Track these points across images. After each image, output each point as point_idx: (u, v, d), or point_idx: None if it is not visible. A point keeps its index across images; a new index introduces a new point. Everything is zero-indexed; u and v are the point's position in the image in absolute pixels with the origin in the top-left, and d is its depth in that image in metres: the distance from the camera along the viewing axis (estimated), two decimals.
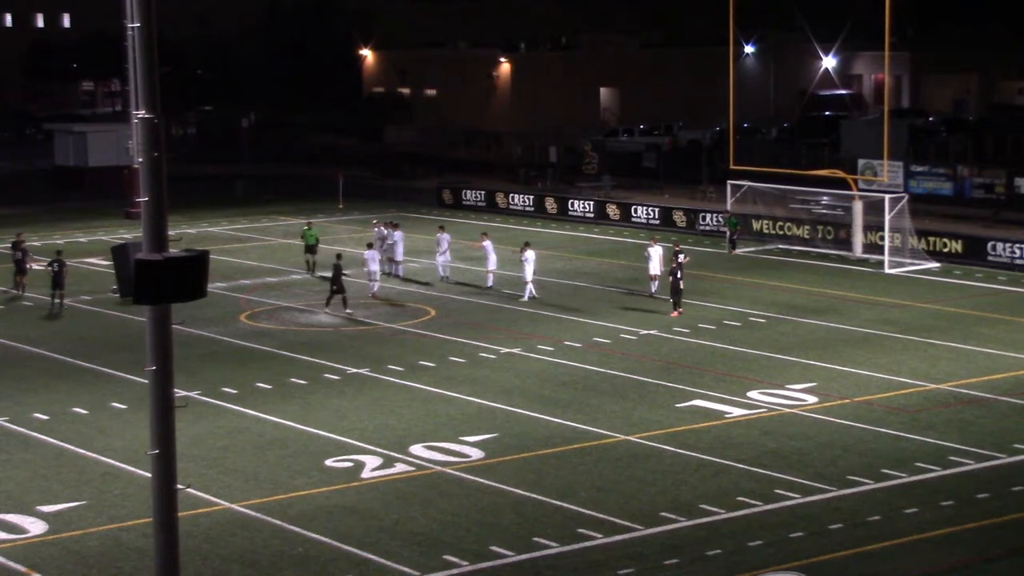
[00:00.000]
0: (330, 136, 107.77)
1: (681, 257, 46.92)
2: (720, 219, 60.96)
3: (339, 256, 48.10)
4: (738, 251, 58.05)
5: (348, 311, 46.30)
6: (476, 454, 31.42)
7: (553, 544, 26.06)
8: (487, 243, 50.69)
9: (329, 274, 47.66)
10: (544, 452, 31.57)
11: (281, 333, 44.09)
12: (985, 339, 41.97)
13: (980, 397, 35.71)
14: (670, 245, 49.22)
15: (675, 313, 44.84)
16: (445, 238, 52.45)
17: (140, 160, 17.39)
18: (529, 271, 48.19)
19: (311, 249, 53.87)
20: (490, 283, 50.37)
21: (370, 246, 50.55)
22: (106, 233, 64.28)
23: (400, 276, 52.74)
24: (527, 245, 49.14)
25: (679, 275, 45.27)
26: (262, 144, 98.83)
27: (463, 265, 53.97)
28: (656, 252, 48.37)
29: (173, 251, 17.36)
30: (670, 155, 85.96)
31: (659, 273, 48.02)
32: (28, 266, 50.36)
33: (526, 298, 47.96)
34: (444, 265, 52.26)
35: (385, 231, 53.94)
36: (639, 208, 66.27)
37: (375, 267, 49.35)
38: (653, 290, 48.12)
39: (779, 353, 40.47)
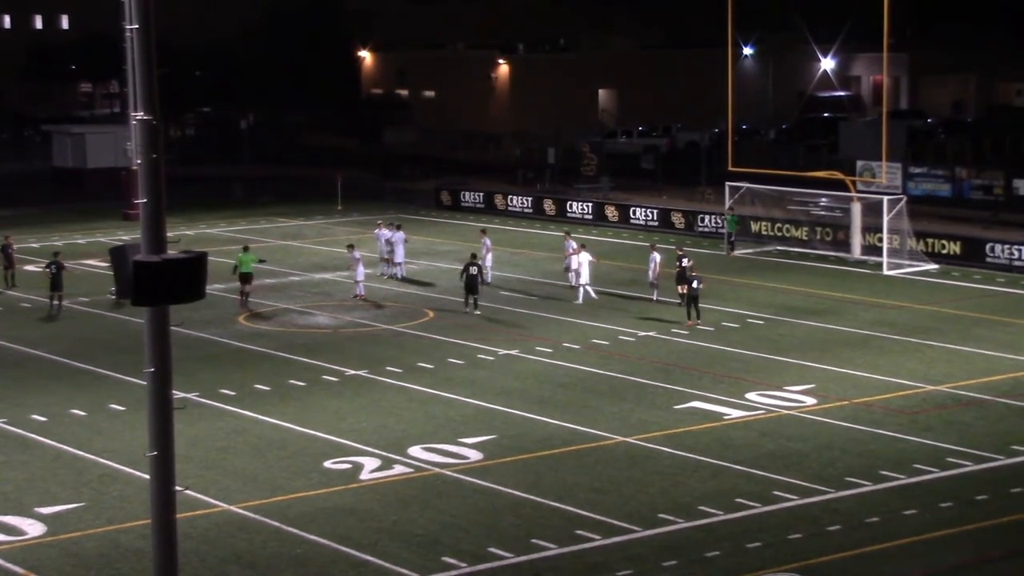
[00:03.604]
0: (329, 137, 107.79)
1: (685, 261, 46.48)
2: (720, 220, 60.92)
3: (474, 256, 47.38)
4: (737, 252, 58.01)
5: (476, 312, 45.93)
6: (474, 455, 31.42)
7: (552, 545, 26.05)
8: (571, 243, 50.28)
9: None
10: (542, 453, 31.57)
11: (279, 335, 44.08)
12: (983, 341, 41.98)
13: (978, 399, 35.71)
14: (672, 248, 48.98)
15: (689, 322, 44.01)
16: (486, 242, 52.00)
17: (138, 162, 17.37)
18: (585, 274, 47.84)
19: (245, 278, 47.26)
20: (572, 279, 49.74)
21: (351, 247, 50.29)
22: (104, 235, 64.27)
23: (400, 277, 52.66)
24: (583, 247, 48.90)
25: (695, 283, 44.27)
26: (261, 145, 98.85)
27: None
28: (655, 257, 48.06)
29: (171, 252, 17.33)
30: (668, 156, 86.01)
31: (657, 280, 47.78)
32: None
33: (580, 301, 47.45)
34: (487, 270, 50.94)
35: (388, 232, 53.63)
36: (637, 209, 66.30)
37: (362, 269, 49.13)
38: (655, 297, 47.81)
39: (777, 355, 40.47)
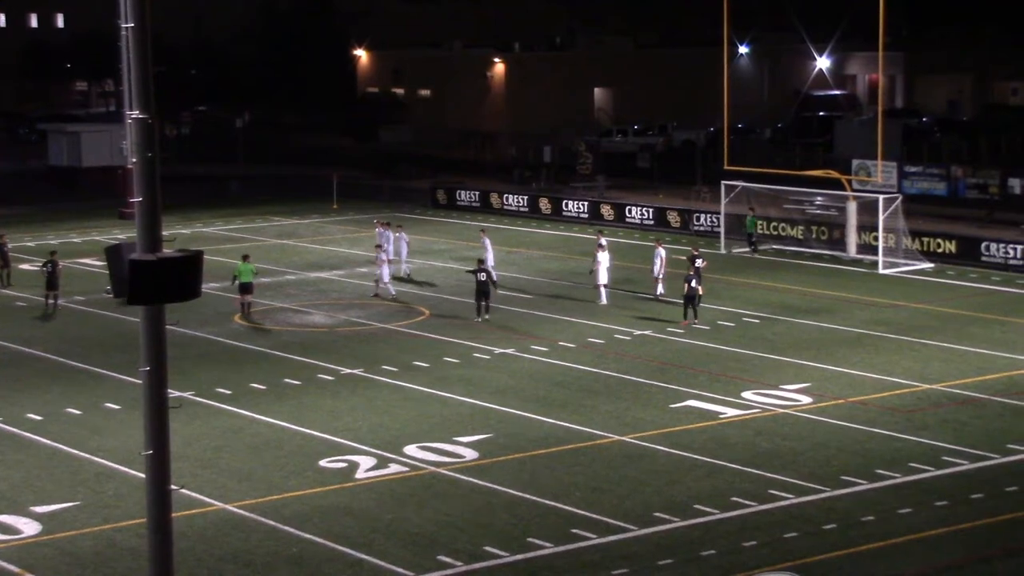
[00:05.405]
0: (325, 136, 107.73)
1: (699, 262, 46.24)
2: (715, 219, 60.90)
3: (481, 262, 46.49)
4: (735, 251, 57.76)
5: (486, 317, 44.90)
6: (470, 454, 31.43)
7: (547, 544, 26.06)
8: (603, 240, 49.81)
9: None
10: (538, 452, 31.57)
11: (275, 334, 44.08)
12: (978, 339, 42.02)
13: (974, 397, 35.74)
14: (689, 248, 48.68)
15: (684, 322, 43.98)
16: (485, 242, 51.70)
17: (134, 160, 17.37)
18: (603, 274, 47.45)
19: (246, 288, 45.87)
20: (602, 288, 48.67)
21: (379, 247, 50.30)
22: (100, 233, 64.22)
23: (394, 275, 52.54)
24: (601, 247, 48.67)
25: (693, 282, 44.11)
26: (256, 144, 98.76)
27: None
28: (660, 254, 47.98)
29: (167, 251, 17.33)
30: (664, 155, 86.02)
31: (662, 276, 47.74)
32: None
33: (604, 302, 46.99)
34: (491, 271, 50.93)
35: (386, 231, 53.49)
36: (633, 208, 66.31)
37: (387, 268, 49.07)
38: (658, 292, 47.79)
39: (773, 353, 40.49)
